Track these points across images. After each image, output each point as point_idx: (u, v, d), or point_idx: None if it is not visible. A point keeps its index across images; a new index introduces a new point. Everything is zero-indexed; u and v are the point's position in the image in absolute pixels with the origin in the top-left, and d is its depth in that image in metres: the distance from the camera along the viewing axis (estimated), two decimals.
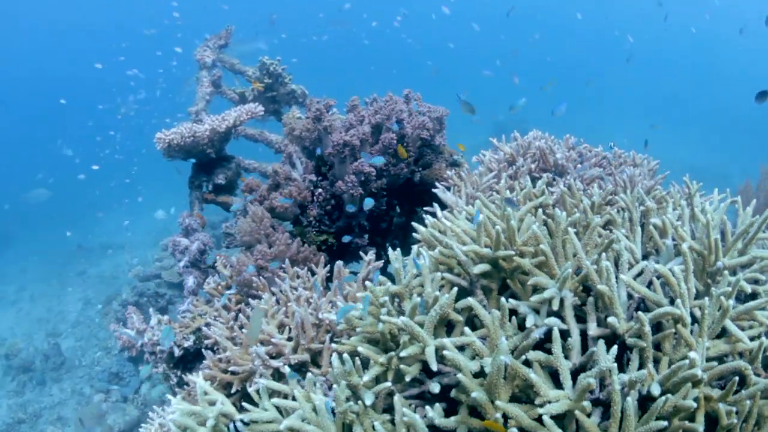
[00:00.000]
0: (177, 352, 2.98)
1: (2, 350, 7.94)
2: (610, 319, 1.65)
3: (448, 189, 2.77)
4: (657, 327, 1.71)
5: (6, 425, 6.91)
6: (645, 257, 2.12)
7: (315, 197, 2.97)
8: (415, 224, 2.20)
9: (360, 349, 1.65)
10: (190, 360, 3.18)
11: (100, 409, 6.23)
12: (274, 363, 2.07)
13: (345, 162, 2.82)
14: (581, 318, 1.80)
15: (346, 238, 2.84)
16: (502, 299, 1.69)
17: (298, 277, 2.42)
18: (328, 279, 3.12)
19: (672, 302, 1.69)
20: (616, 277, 1.72)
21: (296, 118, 4.31)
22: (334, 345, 1.81)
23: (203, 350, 2.54)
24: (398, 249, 1.87)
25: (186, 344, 3.05)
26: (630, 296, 1.83)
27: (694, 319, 1.69)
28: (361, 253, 2.40)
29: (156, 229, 10.77)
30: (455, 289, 1.76)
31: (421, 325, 1.76)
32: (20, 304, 9.45)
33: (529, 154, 3.04)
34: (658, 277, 1.79)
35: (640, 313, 1.58)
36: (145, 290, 6.36)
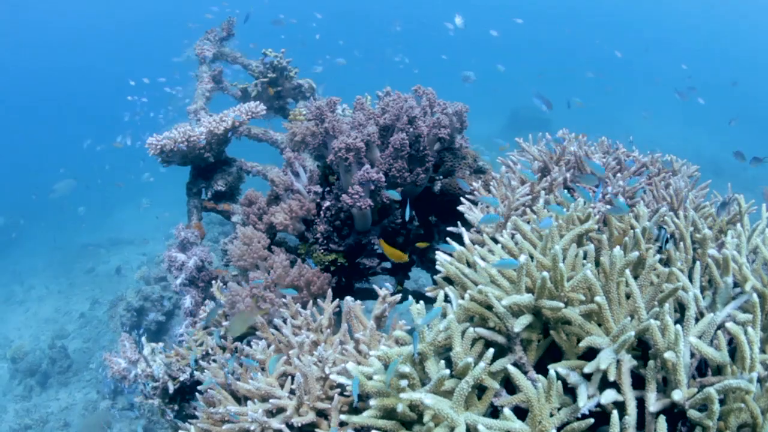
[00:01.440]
0: (171, 388, 2.69)
1: (9, 353, 7.77)
2: (675, 395, 1.34)
3: (474, 204, 2.41)
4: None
5: (13, 431, 6.75)
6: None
7: (323, 211, 2.64)
8: (439, 256, 1.85)
9: None
10: (188, 391, 2.89)
11: (106, 417, 6.02)
12: (275, 424, 1.75)
13: (350, 170, 2.47)
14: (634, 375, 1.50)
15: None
16: (551, 371, 1.35)
17: (299, 314, 2.09)
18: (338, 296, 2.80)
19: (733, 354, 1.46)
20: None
21: (301, 115, 3.96)
22: (343, 417, 1.48)
23: (197, 395, 2.24)
24: (421, 302, 1.53)
25: (182, 377, 2.76)
26: (692, 354, 1.52)
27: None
28: (375, 287, 2.06)
29: (165, 225, 10.51)
30: (491, 351, 1.42)
31: (449, 393, 1.44)
32: (28, 303, 9.29)
33: (563, 160, 2.67)
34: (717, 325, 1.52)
35: (710, 390, 1.31)
36: (150, 294, 6.11)
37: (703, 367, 1.64)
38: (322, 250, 2.65)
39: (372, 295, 3.22)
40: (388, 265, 3.11)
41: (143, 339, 3.03)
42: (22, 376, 7.45)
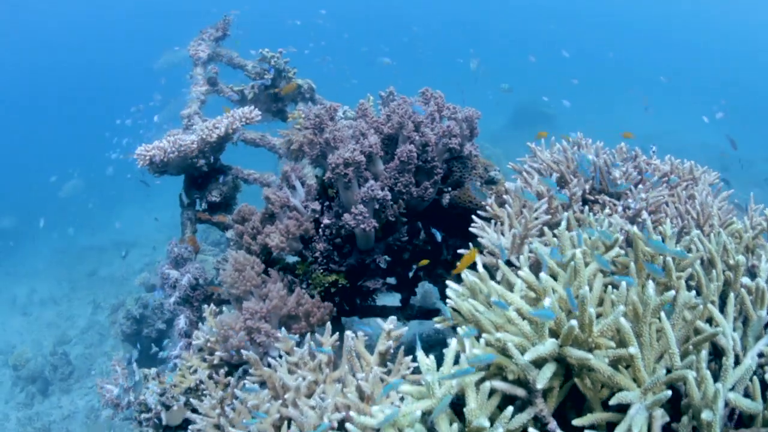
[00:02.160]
0: (165, 420, 2.51)
1: (11, 360, 7.66)
2: None
3: (488, 220, 2.21)
4: None
5: None
6: None
7: (321, 229, 2.44)
8: (450, 290, 1.66)
9: None
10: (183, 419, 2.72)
11: (107, 428, 5.88)
12: None
13: (351, 186, 2.27)
14: None
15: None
16: None
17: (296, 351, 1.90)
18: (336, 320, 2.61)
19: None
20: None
21: (300, 117, 3.76)
22: None
23: None
24: (431, 356, 1.34)
25: (176, 407, 2.58)
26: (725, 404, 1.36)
27: None
28: (379, 321, 1.87)
29: (168, 226, 10.35)
30: (509, 410, 1.24)
31: None
32: (30, 307, 9.17)
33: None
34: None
35: None
36: (150, 301, 5.95)
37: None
38: (321, 270, 2.46)
39: (377, 312, 3.03)
40: (393, 281, 2.92)
41: (134, 366, 2.87)
42: (24, 384, 7.34)
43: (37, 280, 10.06)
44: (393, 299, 3.10)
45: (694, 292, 1.58)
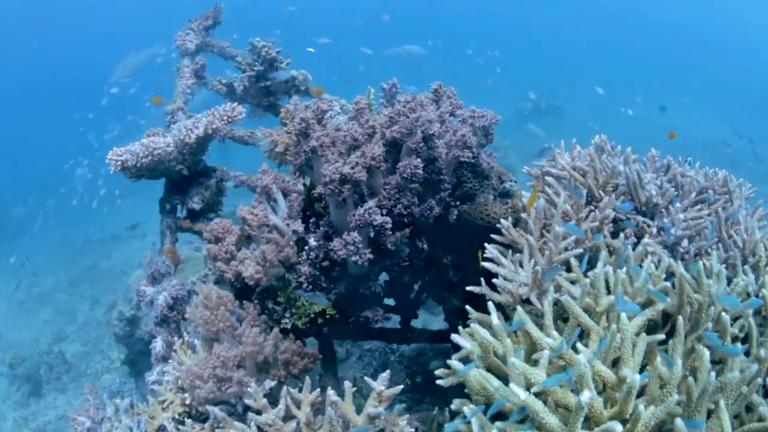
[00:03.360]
0: None
1: (7, 358, 7.47)
2: None
3: (506, 247, 1.86)
4: None
5: None
6: None
7: (305, 252, 2.10)
8: (456, 340, 1.32)
9: None
10: None
11: None
12: None
13: (345, 207, 1.92)
14: None
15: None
16: None
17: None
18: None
19: None
20: None
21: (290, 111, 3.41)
22: None
23: None
24: None
25: None
26: None
27: None
28: (368, 380, 1.53)
29: None
30: None
31: None
32: (28, 303, 8.97)
33: (611, 183, 2.10)
34: None
35: None
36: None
37: None
38: (306, 298, 2.13)
39: (373, 335, 2.71)
40: (392, 302, 2.60)
41: (104, 396, 2.59)
42: (20, 382, 7.16)
43: (37, 272, 9.85)
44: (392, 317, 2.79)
45: (756, 366, 1.23)
